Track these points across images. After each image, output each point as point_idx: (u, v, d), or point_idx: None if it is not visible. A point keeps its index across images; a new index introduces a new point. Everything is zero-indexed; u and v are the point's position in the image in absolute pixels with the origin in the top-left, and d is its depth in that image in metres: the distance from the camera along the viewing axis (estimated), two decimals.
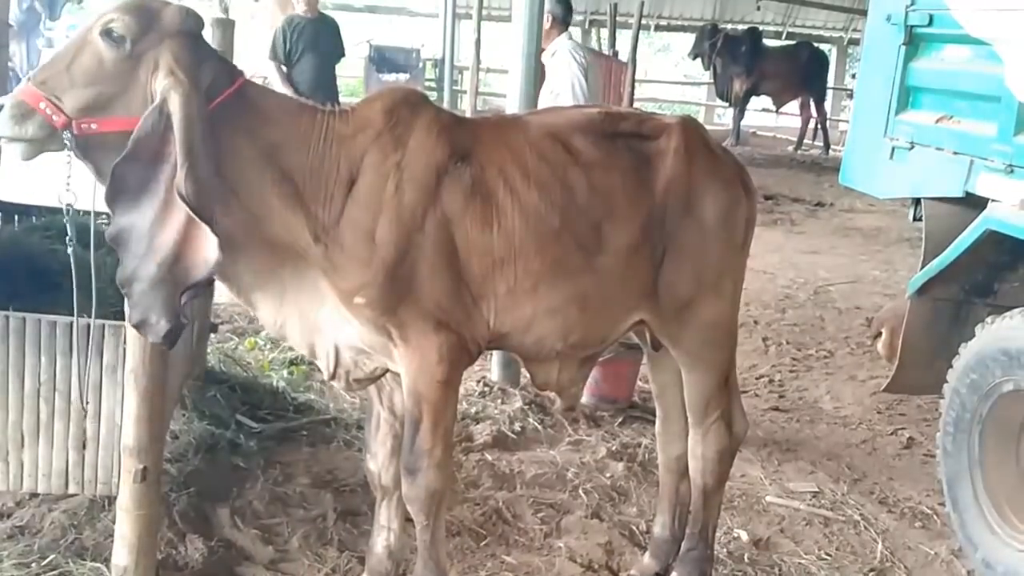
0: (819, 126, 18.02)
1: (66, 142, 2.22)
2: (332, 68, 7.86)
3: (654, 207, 2.69)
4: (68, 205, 2.34)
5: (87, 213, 2.42)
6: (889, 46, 4.01)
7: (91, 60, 2.24)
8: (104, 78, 2.25)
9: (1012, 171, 3.32)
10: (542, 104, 5.74)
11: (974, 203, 3.52)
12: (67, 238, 2.39)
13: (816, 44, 18.91)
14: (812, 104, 17.79)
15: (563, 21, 5.54)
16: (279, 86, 7.70)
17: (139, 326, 2.31)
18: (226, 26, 3.75)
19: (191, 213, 2.16)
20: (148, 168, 2.21)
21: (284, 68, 7.76)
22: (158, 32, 2.26)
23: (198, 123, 2.21)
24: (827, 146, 17.53)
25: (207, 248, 2.20)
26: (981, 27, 3.58)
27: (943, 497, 3.65)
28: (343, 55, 8.12)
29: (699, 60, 17.60)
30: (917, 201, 4.22)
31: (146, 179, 2.22)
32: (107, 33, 2.23)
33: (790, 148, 17.93)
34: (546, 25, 5.64)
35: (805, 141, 18.16)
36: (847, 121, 18.05)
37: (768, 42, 18.21)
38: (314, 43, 7.64)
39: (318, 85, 7.60)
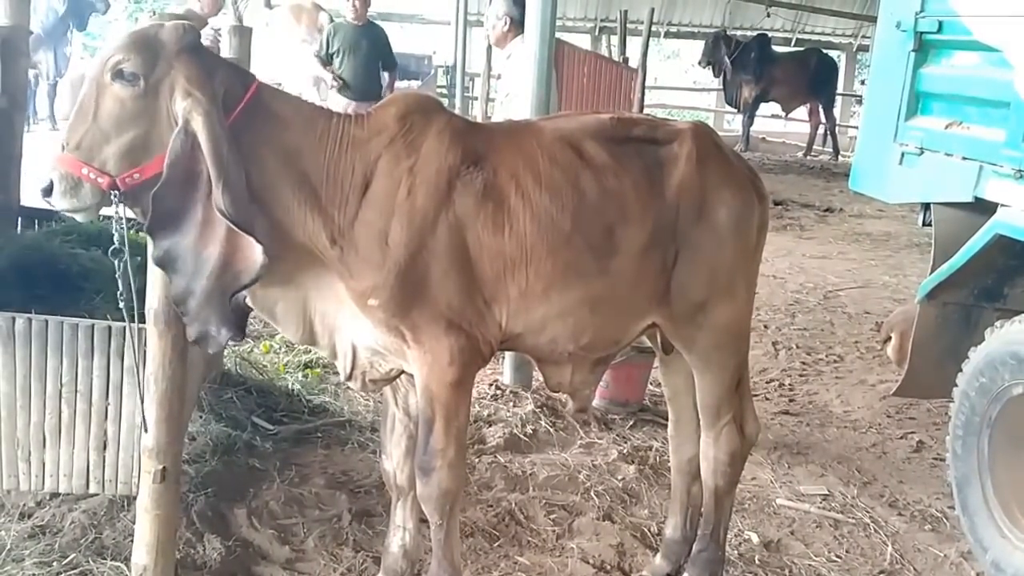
0: (828, 132, 18.01)
1: (114, 201, 2.31)
2: (369, 73, 7.99)
3: (666, 211, 2.72)
4: (117, 214, 2.40)
5: (107, 217, 2.46)
6: (899, 52, 4.03)
7: (113, 107, 2.29)
8: (131, 120, 2.30)
9: (1021, 176, 3.33)
10: (498, 107, 5.77)
11: (983, 208, 3.54)
12: (112, 249, 2.45)
13: (825, 50, 18.89)
14: (821, 110, 17.79)
15: (520, 24, 5.48)
16: (309, 88, 7.90)
17: (199, 340, 2.39)
18: (243, 34, 3.80)
19: (232, 226, 2.22)
20: (183, 189, 2.27)
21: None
22: (165, 58, 2.31)
23: (224, 138, 2.26)
24: (836, 152, 17.53)
25: (253, 253, 2.27)
26: (990, 33, 3.60)
27: (953, 500, 3.67)
28: (390, 64, 8.19)
29: (709, 67, 17.56)
30: (926, 206, 4.24)
31: (182, 199, 2.28)
32: (119, 75, 2.28)
33: (799, 154, 17.94)
34: (504, 28, 5.66)
35: (814, 147, 18.16)
36: (856, 127, 18.01)
37: (776, 48, 18.20)
38: (353, 48, 7.79)
39: (353, 89, 7.83)
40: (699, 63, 17.80)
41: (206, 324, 2.35)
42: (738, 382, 3.00)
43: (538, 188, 2.60)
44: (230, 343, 2.43)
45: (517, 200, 2.58)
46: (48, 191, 2.29)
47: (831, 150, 17.78)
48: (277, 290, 2.57)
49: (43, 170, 2.31)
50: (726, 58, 16.68)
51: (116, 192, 2.29)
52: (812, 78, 17.22)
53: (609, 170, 2.68)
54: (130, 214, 2.41)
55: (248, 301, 2.58)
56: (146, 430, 2.74)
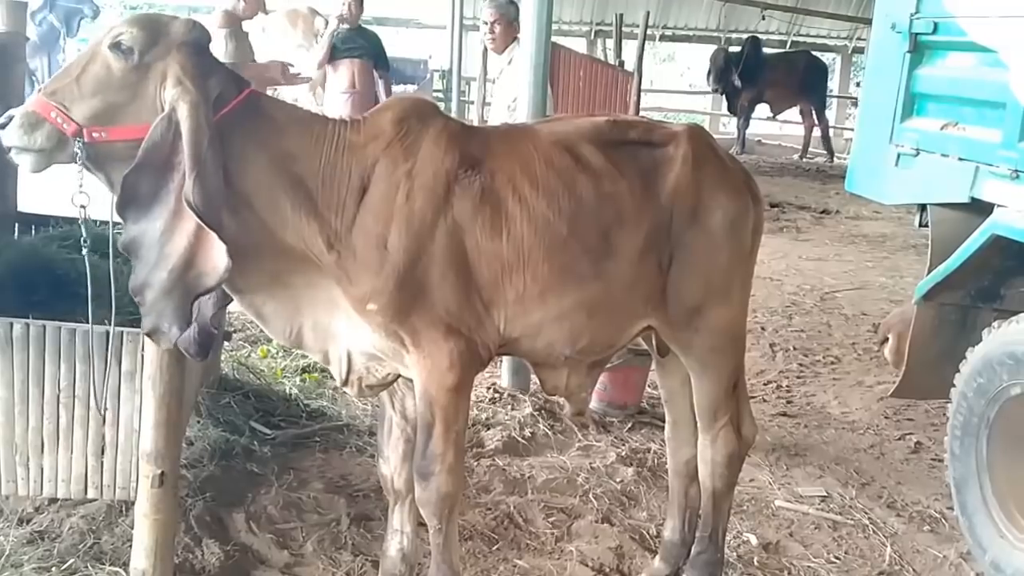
0: (822, 134, 18.05)
1: (76, 151, 2.26)
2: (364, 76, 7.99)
3: (662, 214, 2.72)
4: (82, 207, 2.37)
5: (103, 221, 2.45)
6: (894, 54, 4.04)
7: (100, 70, 2.29)
8: (112, 87, 2.29)
9: (1017, 176, 3.35)
10: (499, 112, 5.78)
11: (980, 209, 3.55)
12: (82, 240, 2.43)
13: (821, 53, 18.93)
14: (813, 112, 17.84)
15: (519, 29, 5.59)
16: (305, 93, 7.86)
17: (151, 333, 2.37)
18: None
19: (199, 221, 2.21)
20: (158, 177, 2.26)
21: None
22: (166, 44, 2.31)
23: (206, 132, 2.25)
24: (831, 153, 17.56)
25: (217, 255, 2.24)
26: (986, 34, 3.62)
27: (951, 501, 3.68)
28: (384, 66, 8.20)
29: (719, 87, 17.43)
30: (923, 207, 4.25)
31: (156, 188, 2.27)
32: (116, 45, 2.28)
33: (795, 156, 17.97)
34: (516, 32, 5.70)
35: (810, 149, 18.20)
36: (852, 129, 18.04)
37: (766, 51, 18.24)
38: (348, 52, 7.81)
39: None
40: (713, 89, 17.61)
41: (159, 319, 2.33)
42: (734, 384, 3.00)
43: (535, 192, 2.60)
44: (190, 356, 2.42)
45: (514, 204, 2.58)
46: (3, 125, 2.26)
47: (826, 152, 17.81)
48: (266, 292, 2.56)
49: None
50: (736, 76, 16.68)
51: (79, 143, 2.25)
52: (802, 80, 17.26)
53: (605, 173, 2.68)
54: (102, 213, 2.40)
55: (241, 305, 2.60)
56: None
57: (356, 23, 7.91)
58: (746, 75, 16.82)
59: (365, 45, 7.85)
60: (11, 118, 2.26)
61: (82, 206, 2.38)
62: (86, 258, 2.46)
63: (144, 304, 2.33)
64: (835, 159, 17.25)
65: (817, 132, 17.94)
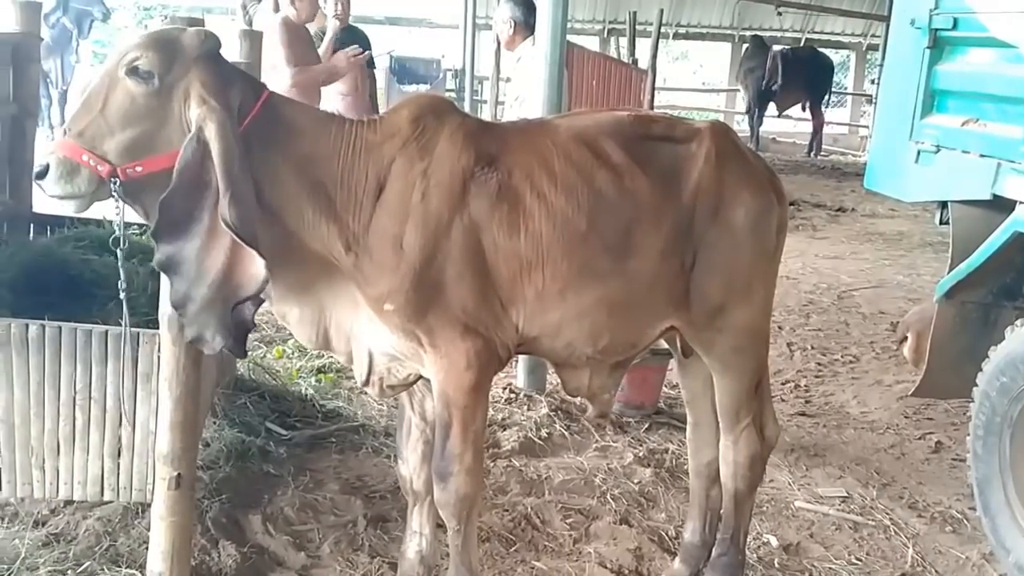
0: (815, 129, 18.12)
1: (113, 191, 2.27)
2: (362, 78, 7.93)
3: (684, 212, 2.68)
4: (118, 239, 2.41)
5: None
6: (913, 50, 4.00)
7: (123, 101, 2.27)
8: (139, 117, 2.28)
9: None
10: (508, 110, 5.75)
11: (1001, 206, 3.51)
12: (118, 251, 2.44)
13: (835, 50, 18.91)
14: (821, 108, 17.88)
15: (527, 25, 5.53)
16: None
17: (196, 341, 2.40)
18: (253, 38, 3.79)
19: (236, 238, 2.21)
20: (192, 197, 2.25)
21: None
22: (183, 61, 2.29)
23: (235, 149, 2.24)
24: (809, 150, 17.83)
25: (255, 267, 2.25)
26: (1006, 29, 3.57)
27: (973, 501, 3.63)
28: (370, 64, 8.16)
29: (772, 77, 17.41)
30: (943, 204, 4.21)
31: (191, 207, 2.26)
32: (134, 71, 2.26)
33: (811, 153, 17.97)
34: (509, 31, 5.70)
35: (824, 146, 18.20)
36: (867, 126, 18.01)
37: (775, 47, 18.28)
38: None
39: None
40: (769, 84, 17.46)
41: (203, 329, 2.35)
42: (757, 384, 2.96)
43: (553, 188, 2.56)
44: (226, 351, 2.42)
45: (532, 200, 2.54)
46: (42, 175, 2.26)
47: (813, 147, 17.90)
48: (293, 298, 2.56)
49: (40, 155, 2.29)
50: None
51: (115, 181, 2.26)
52: (809, 77, 17.25)
53: (626, 169, 2.64)
54: (130, 214, 2.39)
55: (270, 306, 2.58)
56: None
57: (347, 22, 7.88)
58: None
59: (359, 46, 7.82)
60: (46, 167, 2.26)
61: (117, 238, 2.41)
62: (120, 256, 2.45)
63: (186, 316, 2.35)
64: (818, 156, 17.40)
65: (829, 128, 17.97)
